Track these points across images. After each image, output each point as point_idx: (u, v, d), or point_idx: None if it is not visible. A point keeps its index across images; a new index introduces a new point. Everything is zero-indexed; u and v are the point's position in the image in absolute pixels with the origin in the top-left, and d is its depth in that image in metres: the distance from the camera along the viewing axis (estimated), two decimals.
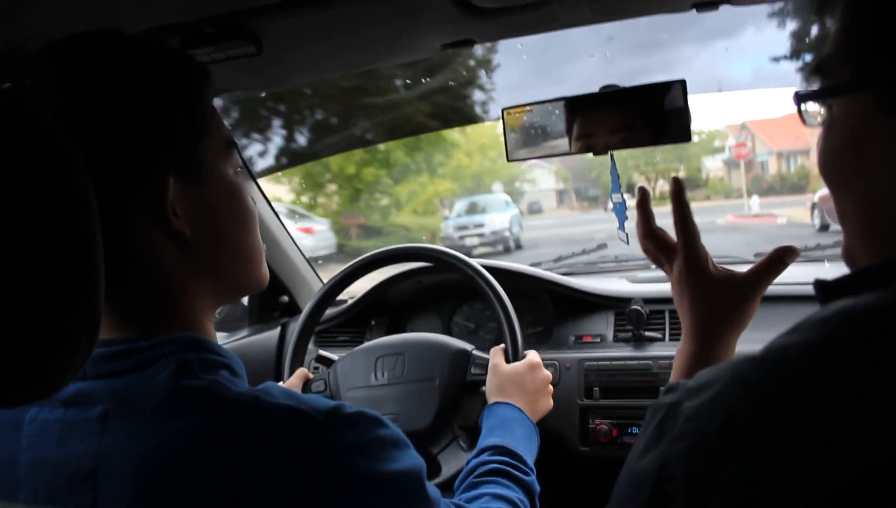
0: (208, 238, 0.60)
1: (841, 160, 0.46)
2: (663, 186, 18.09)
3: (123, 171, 0.55)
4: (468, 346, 1.20)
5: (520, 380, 1.06)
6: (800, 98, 0.48)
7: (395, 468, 0.55)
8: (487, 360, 1.13)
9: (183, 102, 0.60)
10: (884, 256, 0.45)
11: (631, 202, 0.82)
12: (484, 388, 1.10)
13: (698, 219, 0.72)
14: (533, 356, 1.12)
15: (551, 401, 1.09)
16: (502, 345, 1.15)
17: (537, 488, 0.88)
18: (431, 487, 0.61)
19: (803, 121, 0.49)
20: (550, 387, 1.10)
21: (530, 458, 0.92)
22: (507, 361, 1.12)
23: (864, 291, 0.40)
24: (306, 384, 1.25)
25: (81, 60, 0.55)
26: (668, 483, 0.40)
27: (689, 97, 0.78)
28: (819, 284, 0.46)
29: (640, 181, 17.83)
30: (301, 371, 1.24)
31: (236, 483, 0.50)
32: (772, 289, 0.69)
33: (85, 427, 0.53)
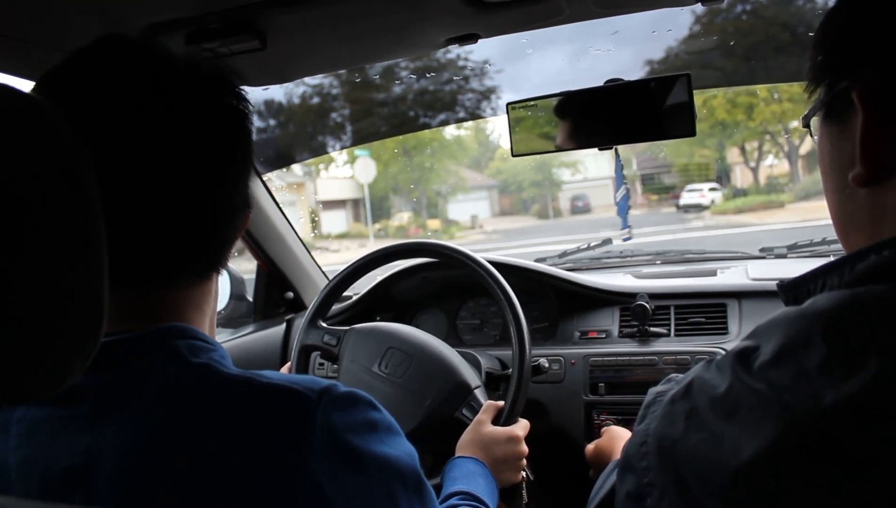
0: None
1: (821, 168, 0.56)
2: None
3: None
4: (473, 382, 1.15)
5: (492, 447, 1.02)
6: (804, 120, 0.58)
7: (386, 451, 0.55)
8: (481, 407, 1.10)
9: (249, 136, 0.63)
10: (848, 250, 0.51)
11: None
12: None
13: None
14: (519, 427, 1.07)
15: (519, 475, 1.05)
16: (499, 402, 1.09)
17: None
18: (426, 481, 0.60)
19: (813, 139, 0.59)
20: (523, 461, 1.06)
21: None
22: (495, 422, 1.07)
23: (816, 289, 0.47)
24: (318, 329, 1.28)
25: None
26: (643, 458, 0.47)
27: None
28: (779, 285, 0.53)
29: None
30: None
31: (228, 465, 0.50)
32: (772, 284, 0.71)
33: (75, 424, 0.53)
